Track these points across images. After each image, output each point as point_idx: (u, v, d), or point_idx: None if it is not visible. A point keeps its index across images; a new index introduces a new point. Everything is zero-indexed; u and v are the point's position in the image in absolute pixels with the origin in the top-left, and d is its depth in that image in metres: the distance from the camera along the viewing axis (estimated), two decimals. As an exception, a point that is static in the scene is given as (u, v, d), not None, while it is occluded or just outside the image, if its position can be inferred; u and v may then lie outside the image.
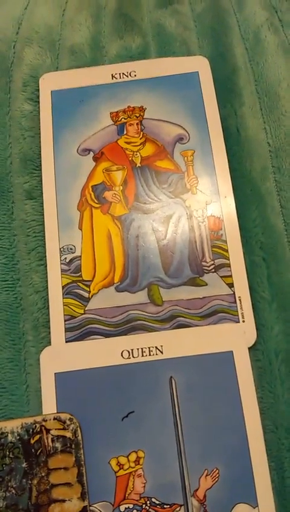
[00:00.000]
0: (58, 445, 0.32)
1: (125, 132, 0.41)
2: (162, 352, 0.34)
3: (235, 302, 0.36)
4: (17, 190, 0.40)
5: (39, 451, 0.32)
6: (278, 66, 0.43)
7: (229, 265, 0.37)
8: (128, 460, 0.32)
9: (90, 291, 0.37)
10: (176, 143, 0.41)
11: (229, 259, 0.37)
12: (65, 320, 0.36)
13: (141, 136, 0.41)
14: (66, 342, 0.35)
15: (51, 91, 0.43)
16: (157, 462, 0.32)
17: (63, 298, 0.36)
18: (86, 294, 0.37)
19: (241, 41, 0.45)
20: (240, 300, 0.36)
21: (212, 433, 0.33)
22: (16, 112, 0.43)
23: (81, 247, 0.38)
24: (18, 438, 0.32)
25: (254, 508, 0.31)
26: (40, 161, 0.40)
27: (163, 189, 0.40)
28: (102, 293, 0.37)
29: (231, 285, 0.36)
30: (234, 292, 0.36)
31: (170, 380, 0.34)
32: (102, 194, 0.39)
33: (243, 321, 0.36)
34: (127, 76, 0.43)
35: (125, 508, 0.32)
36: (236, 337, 0.35)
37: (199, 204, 0.39)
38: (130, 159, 0.41)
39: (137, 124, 0.42)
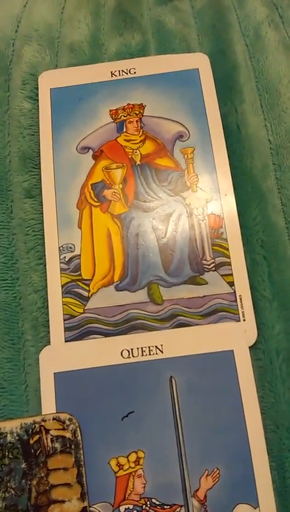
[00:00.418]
0: (57, 445, 0.32)
1: (124, 130, 0.41)
2: (162, 352, 0.34)
3: (235, 300, 0.36)
4: (16, 189, 0.40)
5: (38, 451, 0.32)
6: (279, 63, 0.43)
7: (229, 264, 0.37)
8: (128, 461, 0.32)
9: (89, 290, 0.36)
10: (176, 140, 0.41)
11: (229, 258, 0.37)
12: (64, 320, 0.36)
13: (140, 133, 0.41)
14: (66, 341, 0.35)
15: (50, 89, 0.43)
16: (157, 462, 0.32)
17: (63, 297, 0.36)
18: (85, 294, 0.36)
19: (241, 38, 0.45)
20: (240, 299, 0.36)
21: (212, 432, 0.32)
22: (15, 110, 0.43)
23: (81, 245, 0.38)
24: (17, 438, 0.32)
25: (255, 508, 0.31)
26: (39, 159, 0.40)
27: (163, 187, 0.39)
28: (101, 292, 0.36)
29: (231, 284, 0.36)
30: (234, 291, 0.36)
31: (170, 379, 0.34)
32: (101, 193, 0.39)
33: (244, 320, 0.35)
34: (127, 73, 0.43)
35: (125, 509, 0.31)
36: (237, 336, 0.35)
37: (199, 202, 0.39)
38: (130, 156, 0.40)
39: (137, 121, 0.41)
